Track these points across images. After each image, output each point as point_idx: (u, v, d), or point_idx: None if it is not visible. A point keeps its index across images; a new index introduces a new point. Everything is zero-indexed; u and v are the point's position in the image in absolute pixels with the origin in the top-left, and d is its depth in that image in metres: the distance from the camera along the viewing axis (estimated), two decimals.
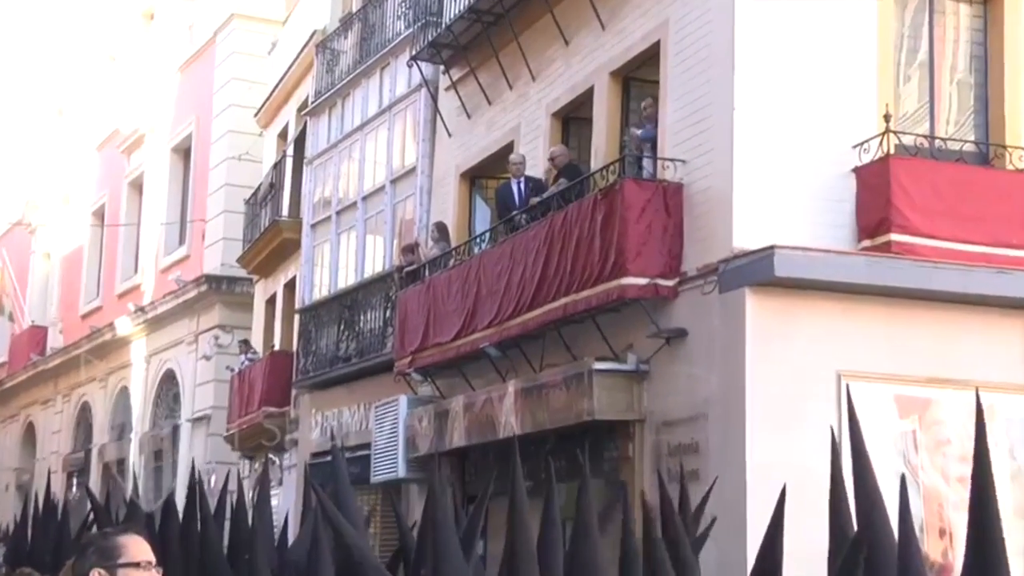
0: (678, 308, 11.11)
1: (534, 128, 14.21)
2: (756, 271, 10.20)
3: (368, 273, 17.87)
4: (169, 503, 6.45)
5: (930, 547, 10.06)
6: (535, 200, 13.03)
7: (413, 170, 16.97)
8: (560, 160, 13.08)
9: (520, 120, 14.56)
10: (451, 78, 16.04)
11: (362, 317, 17.72)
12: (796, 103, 10.89)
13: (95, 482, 28.67)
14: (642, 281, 11.04)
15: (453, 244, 15.15)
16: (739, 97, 10.73)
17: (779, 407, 10.15)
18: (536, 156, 13.93)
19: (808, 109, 10.92)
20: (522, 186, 13.61)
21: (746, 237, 10.44)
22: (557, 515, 4.22)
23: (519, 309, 12.61)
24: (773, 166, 10.71)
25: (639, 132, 11.87)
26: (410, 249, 15.91)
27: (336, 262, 19.00)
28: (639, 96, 12.41)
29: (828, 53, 11.07)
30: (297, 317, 20.15)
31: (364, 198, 18.31)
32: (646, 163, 11.70)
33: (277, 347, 21.72)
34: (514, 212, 13.34)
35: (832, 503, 4.03)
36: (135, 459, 27.12)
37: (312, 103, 20.38)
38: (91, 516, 7.34)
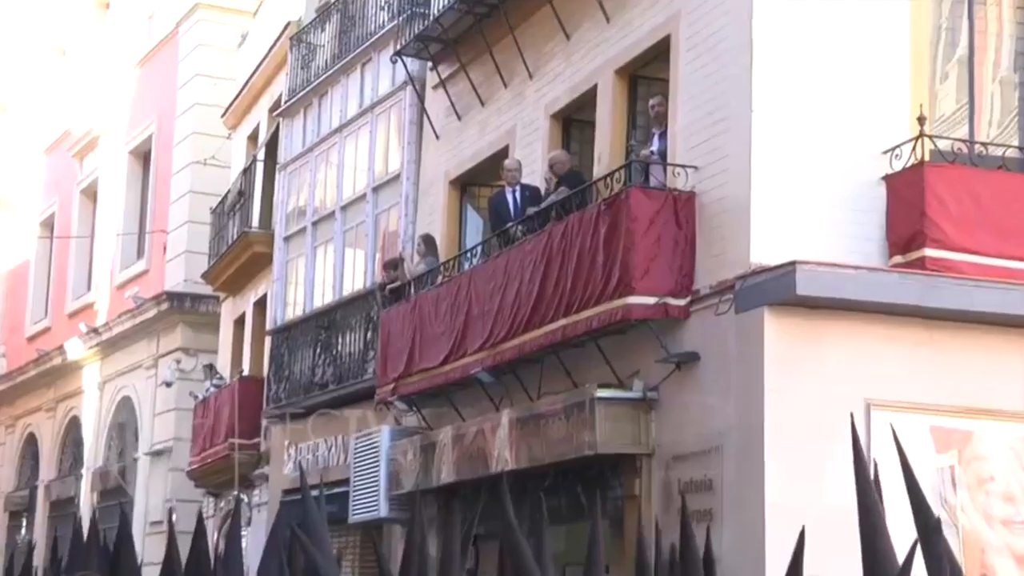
0: (690, 330, 11.14)
1: (531, 131, 14.26)
2: (776, 289, 10.24)
3: (347, 291, 17.90)
4: (126, 547, 6.43)
5: None
6: (532, 210, 13.08)
7: (397, 177, 17.02)
8: (560, 166, 13.15)
9: (516, 122, 14.61)
10: (439, 75, 16.09)
11: (340, 339, 17.73)
12: (820, 103, 10.95)
13: (41, 523, 28.63)
14: (650, 300, 11.08)
15: (441, 259, 15.19)
16: (758, 97, 10.79)
17: (801, 440, 10.17)
18: (533, 162, 13.98)
19: (834, 110, 10.98)
20: (517, 195, 13.67)
21: (765, 252, 10.49)
22: (549, 562, 4.19)
23: (514, 331, 12.65)
24: (795, 173, 10.77)
25: (650, 151, 11.88)
26: (394, 264, 15.96)
27: (312, 278, 19.03)
28: (647, 96, 12.46)
29: (856, 48, 11.14)
30: (268, 339, 20.16)
31: (343, 208, 18.35)
32: (655, 170, 11.75)
33: (246, 372, 21.72)
34: (509, 224, 13.39)
35: (865, 546, 4.00)
36: (86, 497, 27.09)
37: (285, 102, 20.43)
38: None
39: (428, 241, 15.51)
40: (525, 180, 13.83)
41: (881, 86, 11.14)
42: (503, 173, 13.97)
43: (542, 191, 13.32)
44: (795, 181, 10.76)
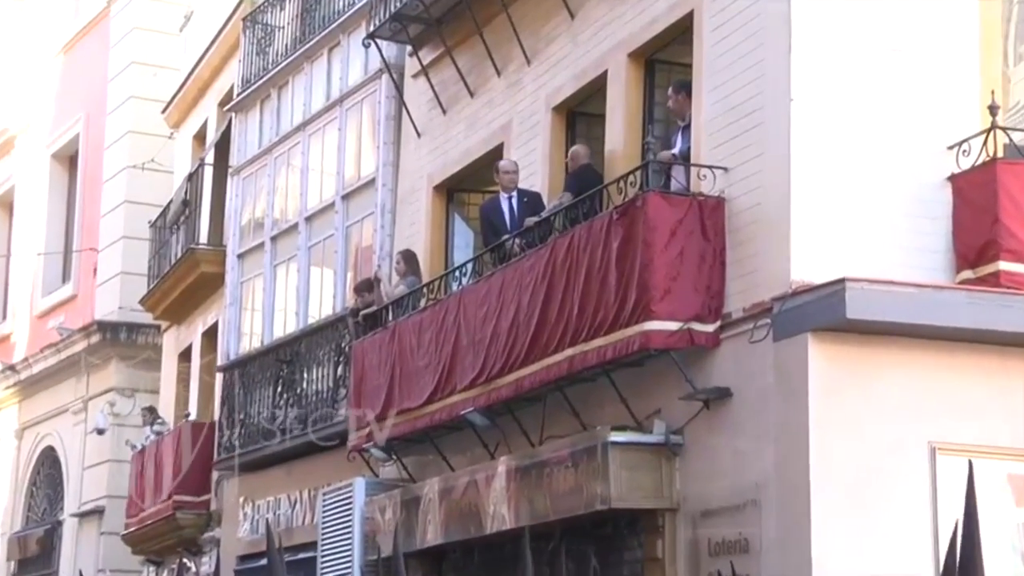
0: (720, 361, 11.13)
1: (530, 126, 14.28)
2: (822, 312, 10.24)
3: (313, 317, 17.89)
4: None
5: None
6: (531, 220, 13.10)
7: (372, 182, 17.03)
8: (576, 162, 13.12)
9: (511, 116, 14.63)
10: (421, 61, 16.12)
11: (305, 376, 17.71)
12: (872, 91, 10.96)
13: None
14: (672, 326, 11.07)
15: (425, 278, 15.20)
16: (798, 83, 10.80)
17: (854, 491, 10.16)
18: (532, 163, 14.00)
19: (888, 98, 10.98)
20: (514, 202, 13.67)
21: (808, 267, 10.48)
22: None
23: (511, 364, 12.64)
24: (843, 174, 10.77)
25: (672, 153, 11.87)
26: (368, 286, 15.96)
27: (271, 303, 19.02)
28: (666, 84, 12.48)
29: (914, 25, 11.15)
30: (220, 376, 20.14)
31: (307, 219, 18.35)
32: (676, 172, 11.77)
33: (193, 416, 21.69)
34: (505, 237, 13.40)
35: None
36: (1, 567, 27.01)
37: (238, 95, 20.45)
38: None
39: (408, 258, 15.52)
40: (524, 184, 13.85)
41: (945, 69, 11.16)
42: (497, 176, 13.98)
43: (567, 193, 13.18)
44: (843, 183, 10.76)
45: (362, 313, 15.76)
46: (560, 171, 13.69)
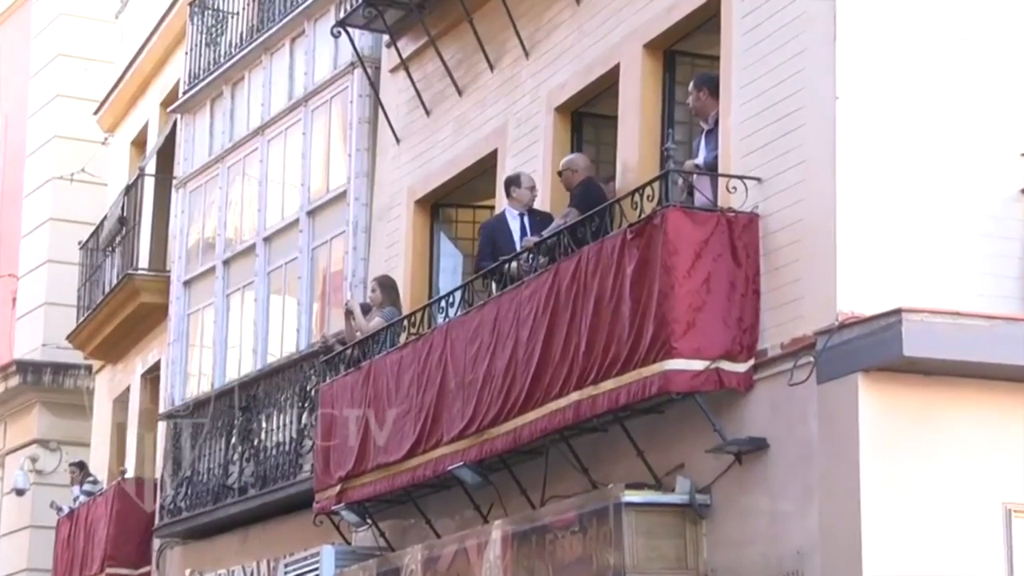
0: (754, 407, 11.11)
1: (528, 130, 14.30)
2: (875, 349, 10.22)
3: (274, 356, 17.88)
4: None
5: None
6: (530, 240, 13.07)
7: (342, 196, 17.03)
8: (574, 174, 13.11)
9: (507, 118, 14.65)
10: (400, 54, 16.14)
11: (264, 425, 17.70)
12: (932, 88, 10.96)
13: None
14: (697, 366, 11.05)
15: (405, 309, 15.18)
16: (843, 79, 10.80)
17: (914, 561, 10.14)
18: (532, 173, 13.93)
19: (952, 97, 10.98)
20: (526, 222, 13.59)
21: (858, 296, 10.47)
22: None
23: (507, 411, 12.62)
24: (897, 186, 10.77)
25: (695, 163, 11.89)
26: (351, 312, 15.88)
27: (224, 339, 19.00)
28: (688, 80, 12.47)
29: (984, 11, 11.14)
30: (162, 426, 20.11)
31: (267, 239, 18.35)
32: (701, 183, 11.76)
33: (130, 473, 21.65)
34: (501, 260, 13.30)
35: None
36: None
37: (184, 93, 20.46)
38: None
39: (385, 285, 15.50)
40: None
41: (1017, 64, 11.17)
42: (516, 191, 13.75)
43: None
44: (898, 197, 10.75)
45: (333, 351, 15.73)
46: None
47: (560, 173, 13.30)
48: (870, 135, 10.78)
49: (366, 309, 15.53)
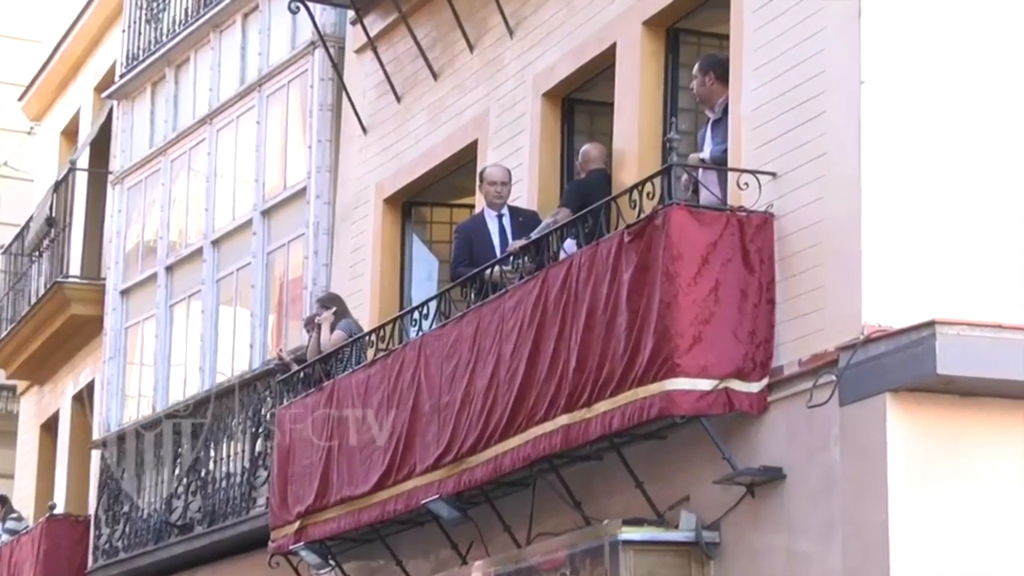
0: (768, 431, 11.14)
1: (513, 118, 14.33)
2: (905, 366, 10.24)
3: (223, 375, 17.87)
4: None
5: None
6: (515, 244, 13.08)
7: (302, 193, 17.05)
8: (584, 169, 13.14)
9: (488, 105, 14.68)
10: (367, 32, 16.16)
11: (213, 453, 17.70)
12: (969, 73, 10.98)
13: None
14: (704, 385, 11.06)
15: (373, 322, 15.17)
16: (869, 61, 10.82)
17: None
18: (517, 167, 14.01)
19: (991, 83, 11.01)
20: (505, 222, 13.64)
21: (885, 308, 10.50)
22: None
23: (488, 437, 12.63)
24: (930, 183, 10.80)
25: (700, 157, 11.90)
26: (314, 323, 15.87)
27: (166, 356, 19.00)
28: (694, 62, 12.49)
29: None
30: (96, 455, 20.09)
31: (215, 243, 18.36)
32: (707, 178, 11.78)
33: (60, 509, 21.65)
34: (484, 266, 13.32)
35: None
36: None
37: (121, 76, 20.45)
38: None
39: (331, 301, 15.41)
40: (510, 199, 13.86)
41: None
42: (481, 187, 13.92)
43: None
44: (930, 196, 10.78)
45: (281, 377, 15.71)
46: (554, 178, 13.69)
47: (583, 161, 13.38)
48: (899, 124, 10.82)
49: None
